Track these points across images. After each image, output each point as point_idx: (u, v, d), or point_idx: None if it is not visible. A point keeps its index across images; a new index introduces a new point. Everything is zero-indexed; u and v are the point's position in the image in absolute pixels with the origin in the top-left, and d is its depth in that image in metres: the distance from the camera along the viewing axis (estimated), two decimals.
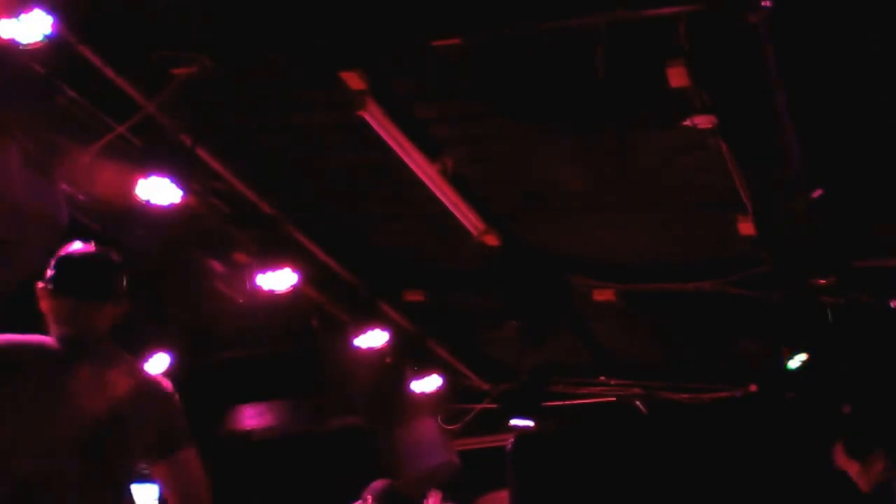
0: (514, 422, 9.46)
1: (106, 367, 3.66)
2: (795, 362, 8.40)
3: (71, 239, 3.88)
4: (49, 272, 3.74)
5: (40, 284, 3.75)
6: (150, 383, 3.79)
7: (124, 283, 3.82)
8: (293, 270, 6.67)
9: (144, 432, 3.70)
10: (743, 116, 5.46)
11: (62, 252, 3.78)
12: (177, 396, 3.84)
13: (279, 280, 6.65)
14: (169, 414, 3.80)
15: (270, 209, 6.60)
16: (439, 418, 9.79)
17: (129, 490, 3.75)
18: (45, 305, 3.74)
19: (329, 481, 7.80)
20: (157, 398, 3.77)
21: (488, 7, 4.85)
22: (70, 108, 5.30)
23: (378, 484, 6.76)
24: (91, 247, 3.81)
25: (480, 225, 6.86)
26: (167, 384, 3.83)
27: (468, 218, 6.74)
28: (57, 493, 3.48)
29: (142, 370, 3.84)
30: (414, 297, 8.10)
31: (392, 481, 6.90)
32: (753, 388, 9.40)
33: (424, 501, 8.39)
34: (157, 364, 7.65)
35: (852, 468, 4.66)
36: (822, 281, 7.20)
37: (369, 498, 6.68)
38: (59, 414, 3.52)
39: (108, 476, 3.61)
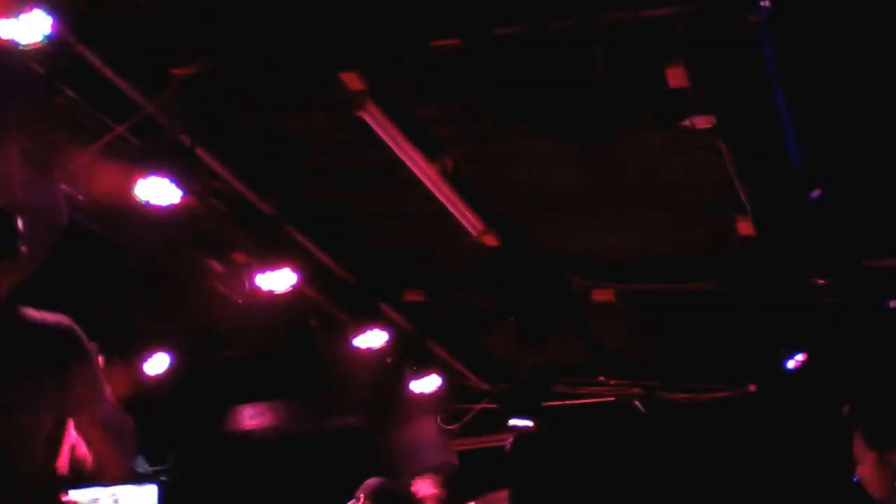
0: (513, 422, 9.45)
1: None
2: (795, 362, 8.40)
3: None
4: None
5: None
6: (51, 338, 3.39)
7: (23, 237, 3.48)
8: (292, 270, 6.67)
9: (58, 392, 3.36)
10: (743, 116, 5.47)
11: None
12: (84, 343, 3.47)
13: (278, 280, 6.65)
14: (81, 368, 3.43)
15: (270, 209, 6.60)
16: (439, 418, 9.79)
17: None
18: None
19: (328, 481, 7.79)
20: (60, 350, 3.40)
21: (488, 7, 4.85)
22: (70, 108, 5.29)
23: (371, 482, 6.76)
24: None
25: (480, 225, 6.85)
26: (66, 327, 3.45)
27: (467, 218, 6.74)
28: None
29: (34, 320, 3.44)
30: (414, 297, 8.10)
31: (386, 479, 6.89)
32: (753, 388, 9.40)
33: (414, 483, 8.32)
34: (158, 364, 7.67)
35: (868, 458, 4.62)
36: (822, 281, 7.20)
37: (362, 496, 6.68)
38: None
39: (15, 454, 3.27)
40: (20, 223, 3.49)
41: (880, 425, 4.61)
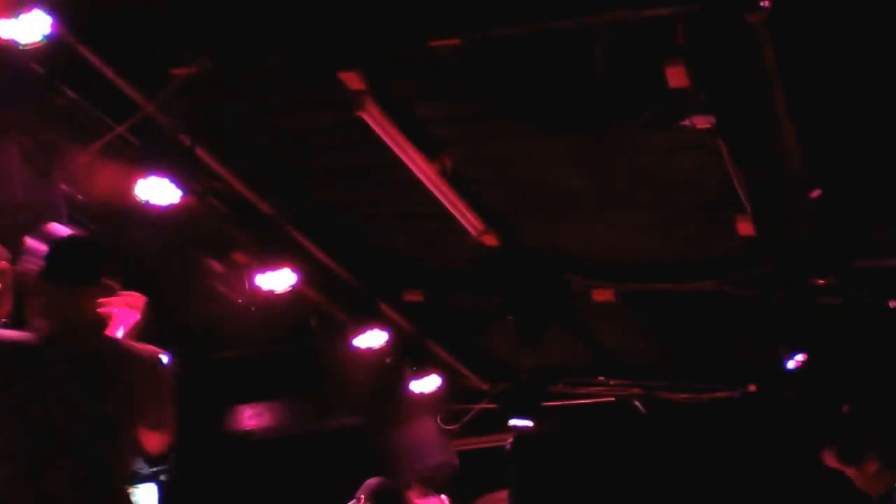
0: (513, 422, 9.46)
1: (91, 355, 3.59)
2: (795, 362, 8.40)
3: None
4: (33, 258, 3.60)
5: (22, 270, 3.61)
6: (139, 361, 3.71)
7: (113, 266, 3.74)
8: (292, 270, 6.67)
9: (139, 413, 3.66)
10: (742, 116, 5.47)
11: (45, 236, 3.63)
12: (164, 366, 3.78)
13: (278, 280, 6.65)
14: (161, 387, 3.74)
15: (270, 209, 6.60)
16: (438, 418, 9.79)
17: (128, 476, 3.70)
18: (27, 292, 3.61)
19: (328, 481, 7.79)
20: (148, 373, 3.71)
21: (488, 7, 4.85)
22: (70, 108, 5.29)
23: (372, 482, 6.74)
24: (75, 230, 3.73)
25: (479, 225, 6.85)
26: (155, 356, 3.75)
27: (467, 218, 6.74)
28: (56, 491, 3.44)
29: (127, 349, 3.72)
30: (413, 297, 8.10)
31: (386, 479, 6.88)
32: (753, 388, 9.41)
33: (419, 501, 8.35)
34: None
35: (849, 473, 4.65)
36: (822, 281, 7.20)
37: (362, 497, 6.67)
38: (52, 413, 3.46)
39: (111, 467, 3.56)
40: (103, 251, 3.63)
41: (851, 442, 4.63)
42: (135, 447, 3.68)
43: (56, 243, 3.62)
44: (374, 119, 5.53)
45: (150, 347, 3.80)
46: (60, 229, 3.71)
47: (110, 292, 3.74)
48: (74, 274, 3.61)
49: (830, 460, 4.66)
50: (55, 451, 3.44)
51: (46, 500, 3.42)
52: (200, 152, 5.89)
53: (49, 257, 3.59)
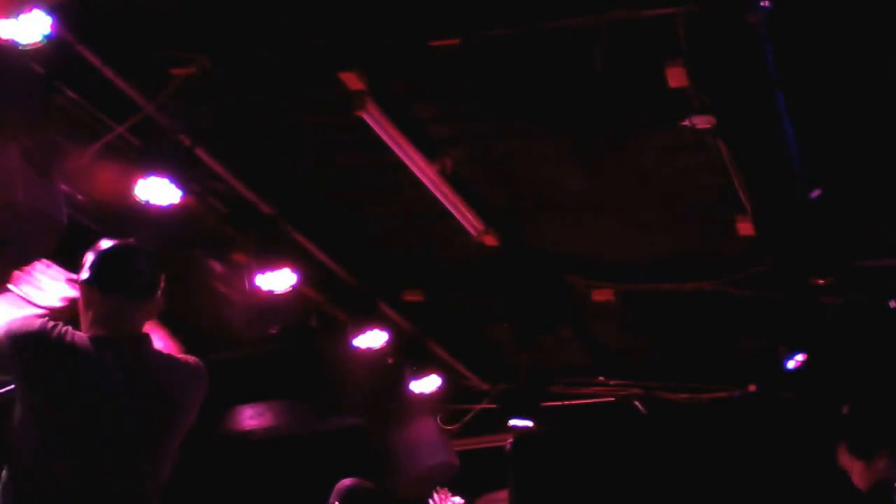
0: (513, 422, 9.45)
1: (142, 367, 3.63)
2: (795, 362, 8.40)
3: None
4: (90, 269, 3.64)
5: (79, 279, 3.65)
6: (185, 373, 3.78)
7: (162, 280, 3.75)
8: (292, 270, 6.67)
9: (185, 422, 3.72)
10: (742, 116, 5.47)
11: (102, 248, 3.68)
12: (207, 378, 3.84)
13: (278, 280, 6.64)
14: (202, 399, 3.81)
15: (270, 209, 6.60)
16: (438, 418, 9.78)
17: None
18: (84, 303, 3.65)
19: (328, 481, 7.79)
20: (194, 385, 3.78)
21: (488, 7, 4.86)
22: (69, 108, 5.29)
23: (345, 483, 6.69)
24: (132, 243, 3.75)
25: (479, 225, 6.86)
26: (200, 368, 3.82)
27: (467, 218, 6.74)
28: (97, 499, 3.48)
29: (174, 361, 3.79)
30: (413, 297, 8.10)
31: (359, 480, 6.84)
32: (753, 388, 9.40)
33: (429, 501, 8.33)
34: None
35: (856, 467, 4.66)
36: (822, 281, 7.20)
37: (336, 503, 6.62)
38: (99, 416, 3.51)
39: (151, 477, 3.60)
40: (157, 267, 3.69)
41: (864, 435, 4.64)
42: (174, 458, 3.72)
43: (106, 252, 3.67)
44: (374, 119, 5.54)
45: (194, 358, 3.83)
46: (114, 241, 3.74)
47: (161, 308, 3.73)
48: (125, 284, 3.63)
49: (843, 456, 4.67)
50: (100, 453, 3.48)
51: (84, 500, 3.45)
52: (200, 152, 5.89)
53: (98, 265, 3.63)
